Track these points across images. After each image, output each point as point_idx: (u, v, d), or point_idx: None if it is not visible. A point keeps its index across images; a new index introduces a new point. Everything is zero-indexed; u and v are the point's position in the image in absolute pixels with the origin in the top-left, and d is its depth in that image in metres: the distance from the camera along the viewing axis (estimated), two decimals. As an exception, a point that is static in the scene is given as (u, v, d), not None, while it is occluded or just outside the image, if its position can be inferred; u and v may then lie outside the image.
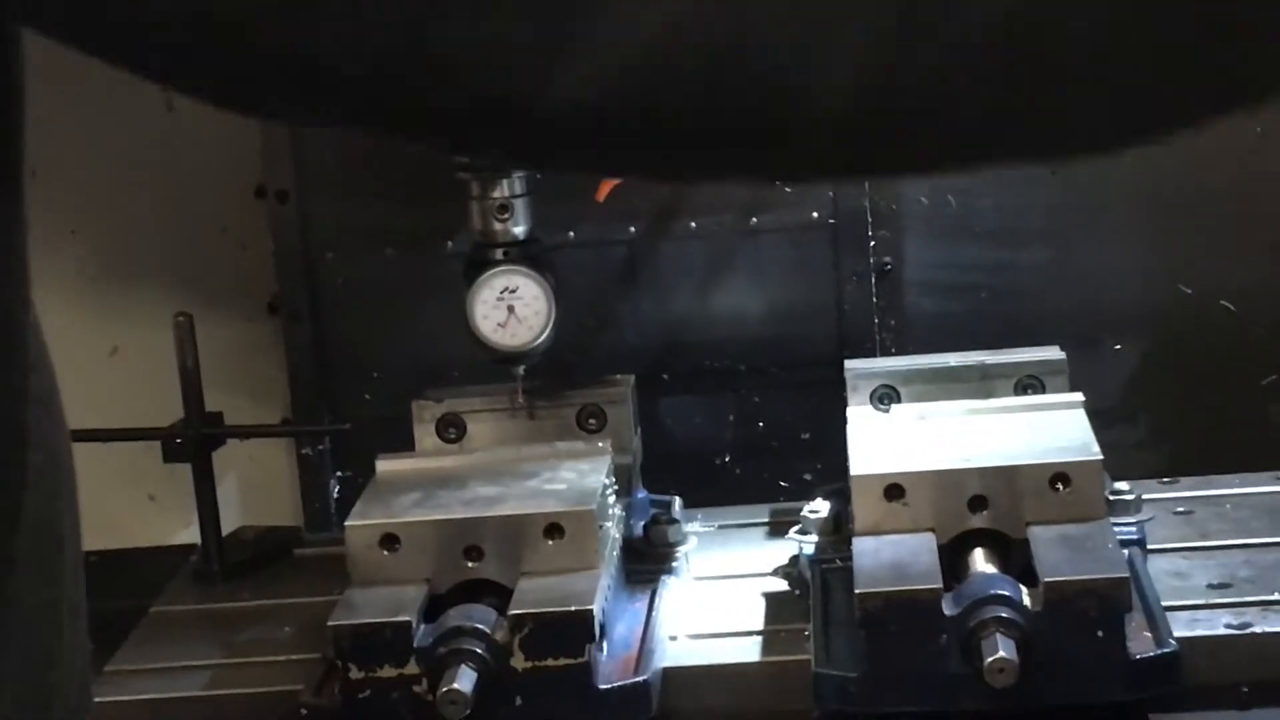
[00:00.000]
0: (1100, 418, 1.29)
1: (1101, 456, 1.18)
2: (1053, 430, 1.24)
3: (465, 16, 0.39)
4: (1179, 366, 1.51)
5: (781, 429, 1.50)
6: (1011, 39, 0.38)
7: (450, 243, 1.44)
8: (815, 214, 1.49)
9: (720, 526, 1.40)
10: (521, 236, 1.29)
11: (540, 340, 1.29)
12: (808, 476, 1.46)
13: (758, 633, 1.23)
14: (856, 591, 1.08)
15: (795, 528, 1.29)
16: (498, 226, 1.27)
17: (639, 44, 0.38)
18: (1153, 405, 1.52)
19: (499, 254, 1.28)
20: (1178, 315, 1.49)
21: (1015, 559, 1.15)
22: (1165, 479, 1.39)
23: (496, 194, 1.27)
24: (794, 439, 1.49)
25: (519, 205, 1.28)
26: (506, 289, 1.27)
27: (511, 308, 1.28)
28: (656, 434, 1.47)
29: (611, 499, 1.27)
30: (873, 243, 1.49)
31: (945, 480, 1.16)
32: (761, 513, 1.42)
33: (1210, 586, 1.21)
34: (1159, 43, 0.38)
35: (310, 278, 1.52)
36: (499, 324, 1.28)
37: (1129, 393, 1.50)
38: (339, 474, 1.53)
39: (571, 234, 1.46)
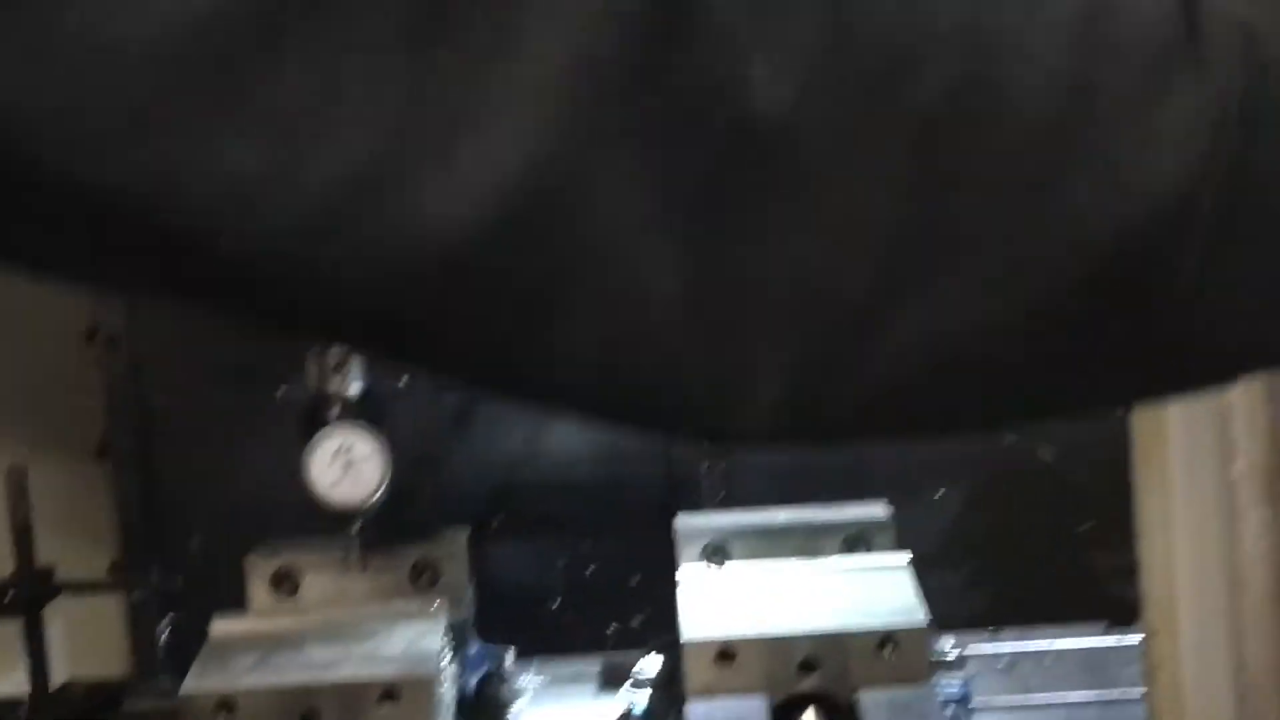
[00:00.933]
0: (924, 562, 1.34)
1: (927, 620, 1.21)
2: (880, 591, 1.27)
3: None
4: (1000, 512, 1.57)
5: (611, 574, 1.52)
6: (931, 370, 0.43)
7: (284, 387, 1.44)
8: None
9: (554, 679, 1.40)
10: (357, 393, 1.29)
11: (376, 496, 1.29)
12: (635, 624, 1.48)
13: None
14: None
15: (629, 682, 1.30)
16: (333, 384, 1.27)
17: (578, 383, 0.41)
18: (974, 551, 1.57)
19: (335, 411, 1.27)
20: (998, 462, 1.55)
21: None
22: (990, 628, 1.44)
23: (332, 352, 1.27)
24: (623, 584, 1.51)
25: (354, 362, 1.28)
26: (342, 446, 1.27)
27: (348, 464, 1.27)
28: (488, 579, 1.47)
29: (446, 658, 1.26)
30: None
31: (775, 645, 1.18)
32: (594, 664, 1.42)
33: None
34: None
35: (141, 421, 1.50)
36: (334, 482, 1.27)
37: (952, 538, 1.55)
38: (169, 619, 1.50)
39: (403, 382, 1.46)
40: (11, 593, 1.25)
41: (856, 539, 1.36)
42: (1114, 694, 1.32)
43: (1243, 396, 1.03)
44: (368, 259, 0.36)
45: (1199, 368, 0.46)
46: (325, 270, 0.36)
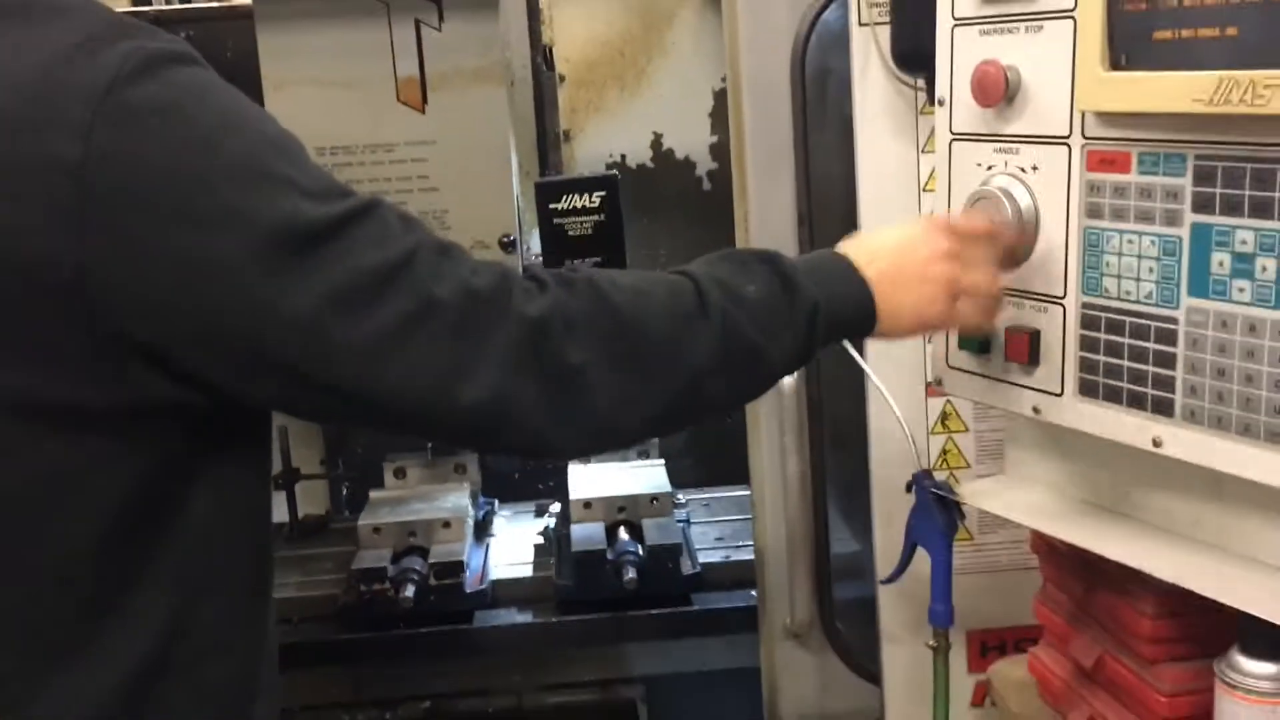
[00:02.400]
0: (674, 455, 3.03)
1: (670, 489, 2.89)
2: (651, 476, 2.94)
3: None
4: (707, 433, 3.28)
5: (539, 466, 3.18)
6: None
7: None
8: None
9: (513, 513, 3.07)
10: None
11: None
12: (550, 489, 3.15)
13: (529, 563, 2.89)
14: (573, 550, 2.74)
15: (547, 514, 2.98)
16: None
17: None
18: (690, 451, 3.27)
19: None
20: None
21: (637, 534, 2.82)
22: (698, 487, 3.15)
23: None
24: (545, 470, 3.18)
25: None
26: None
27: None
28: (485, 468, 3.11)
29: (469, 505, 2.91)
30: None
31: (608, 500, 2.83)
32: (530, 506, 3.10)
33: (716, 538, 2.96)
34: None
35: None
36: None
37: (682, 445, 3.26)
38: (346, 488, 3.09)
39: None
40: (282, 479, 2.85)
41: (644, 450, 3.04)
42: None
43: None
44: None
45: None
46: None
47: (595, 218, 2.57)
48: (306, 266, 1.14)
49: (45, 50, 1.12)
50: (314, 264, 1.14)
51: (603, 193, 2.57)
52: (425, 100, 2.52)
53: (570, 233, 2.57)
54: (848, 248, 1.48)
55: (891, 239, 1.49)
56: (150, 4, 3.10)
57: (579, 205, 2.56)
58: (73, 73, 1.11)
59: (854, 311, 1.43)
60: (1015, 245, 1.52)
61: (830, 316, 1.41)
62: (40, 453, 1.16)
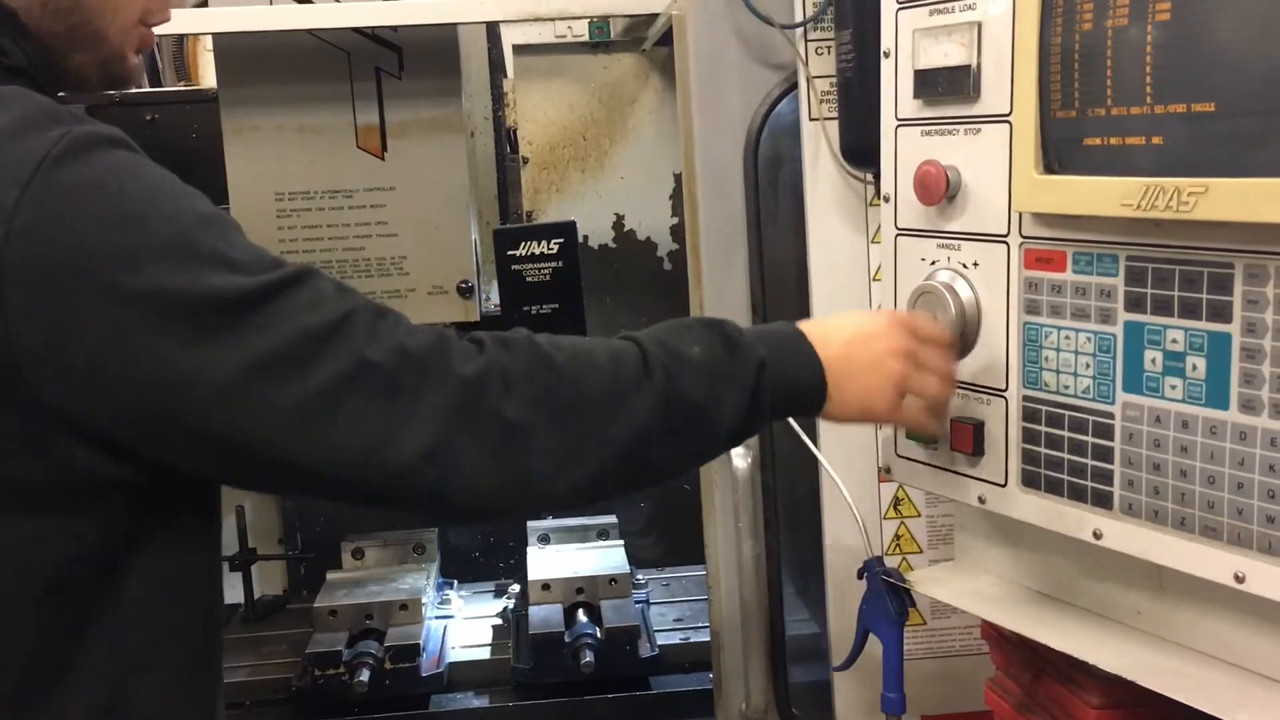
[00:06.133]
0: (632, 534, 3.03)
1: (629, 570, 2.90)
2: (609, 558, 2.95)
3: None
4: (667, 512, 3.30)
5: (499, 546, 3.19)
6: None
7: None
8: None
9: (472, 593, 3.07)
10: None
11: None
12: (510, 569, 3.15)
13: (487, 645, 2.89)
14: (530, 633, 2.74)
15: (506, 595, 2.98)
16: None
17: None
18: (652, 529, 3.29)
19: None
20: (661, 490, 3.26)
21: (595, 615, 2.81)
22: (658, 567, 3.16)
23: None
24: (506, 551, 3.18)
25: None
26: None
27: None
28: (445, 548, 3.11)
29: (429, 587, 2.91)
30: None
31: (567, 581, 2.84)
32: (490, 586, 3.09)
33: (675, 619, 2.96)
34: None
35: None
36: None
37: (643, 524, 3.27)
38: (303, 569, 3.09)
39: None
40: (238, 560, 2.84)
41: (603, 531, 3.05)
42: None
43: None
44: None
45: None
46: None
47: (553, 264, 2.60)
48: (231, 337, 1.15)
49: None
50: (241, 333, 1.15)
51: (561, 239, 2.60)
52: (385, 147, 2.55)
53: (528, 279, 2.59)
54: (806, 325, 1.49)
55: (850, 325, 1.50)
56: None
57: (537, 252, 2.59)
58: (2, 157, 1.13)
59: (805, 380, 1.44)
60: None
61: (778, 380, 1.41)
62: None
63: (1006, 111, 1.45)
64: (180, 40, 3.23)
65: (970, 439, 1.56)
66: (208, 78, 3.20)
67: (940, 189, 1.54)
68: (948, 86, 1.52)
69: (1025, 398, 1.50)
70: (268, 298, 1.17)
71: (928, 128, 1.57)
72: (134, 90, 3.14)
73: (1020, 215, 1.46)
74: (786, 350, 1.44)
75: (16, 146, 1.14)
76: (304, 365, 1.17)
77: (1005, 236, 1.49)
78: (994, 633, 1.74)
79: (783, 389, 1.42)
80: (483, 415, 1.24)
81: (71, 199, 1.13)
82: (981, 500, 1.57)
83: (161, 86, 3.22)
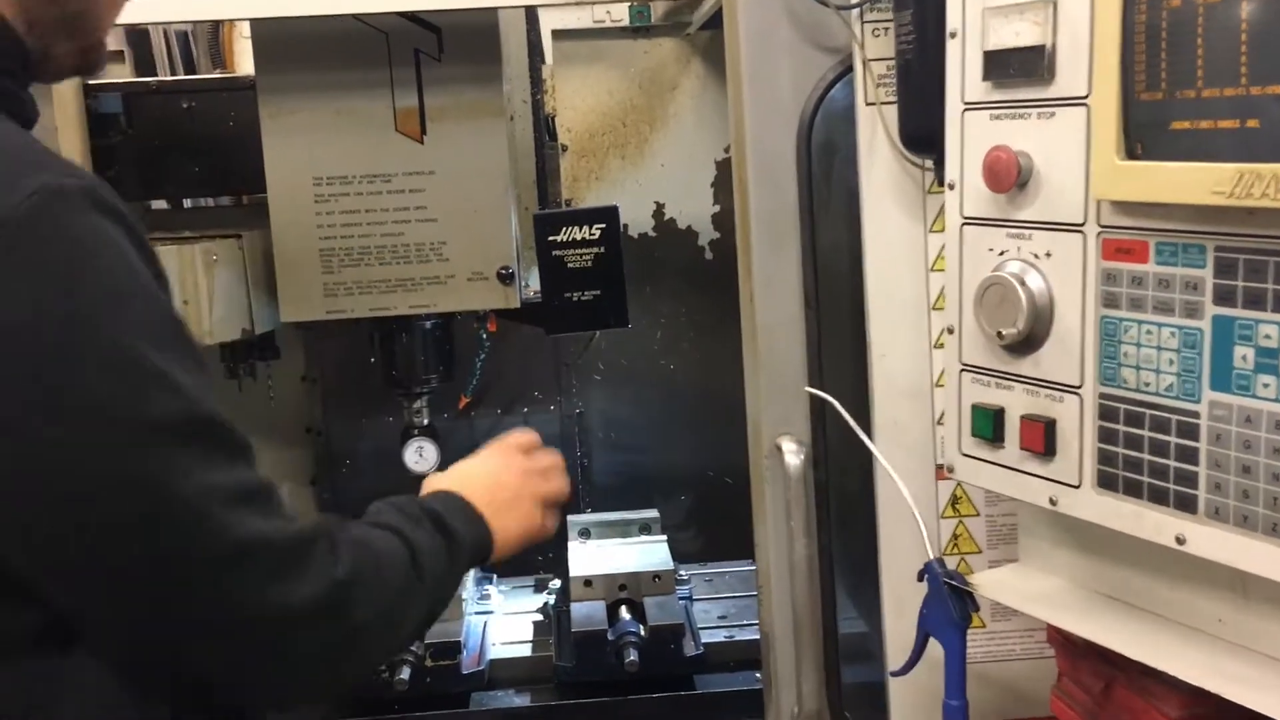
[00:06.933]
0: (673, 528, 2.97)
1: (673, 567, 2.84)
2: (653, 553, 2.89)
3: None
4: (709, 506, 3.24)
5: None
6: None
7: (391, 418, 3.00)
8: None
9: (513, 587, 3.01)
10: (425, 422, 2.72)
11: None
12: (550, 564, 3.10)
13: (527, 641, 2.83)
14: (573, 630, 2.69)
15: (546, 590, 2.92)
16: (414, 418, 2.73)
17: None
18: (693, 523, 3.23)
19: (415, 430, 2.73)
20: (702, 482, 3.21)
21: (638, 613, 2.77)
22: (700, 562, 3.10)
23: (414, 404, 2.81)
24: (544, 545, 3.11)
25: (426, 405, 2.79)
26: (419, 447, 2.72)
27: (420, 456, 2.75)
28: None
29: (469, 580, 2.85)
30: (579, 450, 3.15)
31: (609, 578, 2.79)
32: (531, 580, 3.04)
33: (719, 616, 2.90)
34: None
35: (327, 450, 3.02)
36: (414, 463, 2.71)
37: (685, 517, 3.21)
38: None
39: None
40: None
41: (645, 526, 2.99)
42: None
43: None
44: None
45: None
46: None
47: (595, 250, 2.53)
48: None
49: None
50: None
51: (603, 225, 2.54)
52: (424, 130, 2.49)
53: (569, 265, 2.53)
54: (454, 485, 1.59)
55: (482, 471, 1.66)
56: (155, 74, 3.08)
57: (578, 237, 2.53)
58: None
59: (483, 541, 1.56)
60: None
61: (471, 557, 1.54)
62: None
63: (1084, 94, 1.38)
64: (215, 28, 3.18)
65: (1041, 438, 1.49)
66: (244, 65, 3.15)
67: (1011, 176, 1.46)
68: (1020, 68, 1.45)
69: (1102, 395, 1.42)
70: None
71: (997, 111, 1.50)
72: (170, 78, 3.10)
73: (1099, 203, 1.39)
74: (473, 524, 1.55)
75: None
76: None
77: (1081, 225, 1.41)
78: (1061, 638, 1.67)
79: (477, 556, 1.56)
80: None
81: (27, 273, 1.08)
82: (1053, 502, 1.50)
83: (196, 74, 3.17)
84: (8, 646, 1.15)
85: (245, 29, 2.93)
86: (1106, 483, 1.43)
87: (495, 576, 3.01)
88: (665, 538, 2.94)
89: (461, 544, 1.49)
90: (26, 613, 1.14)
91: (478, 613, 2.85)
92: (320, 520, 1.29)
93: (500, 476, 1.65)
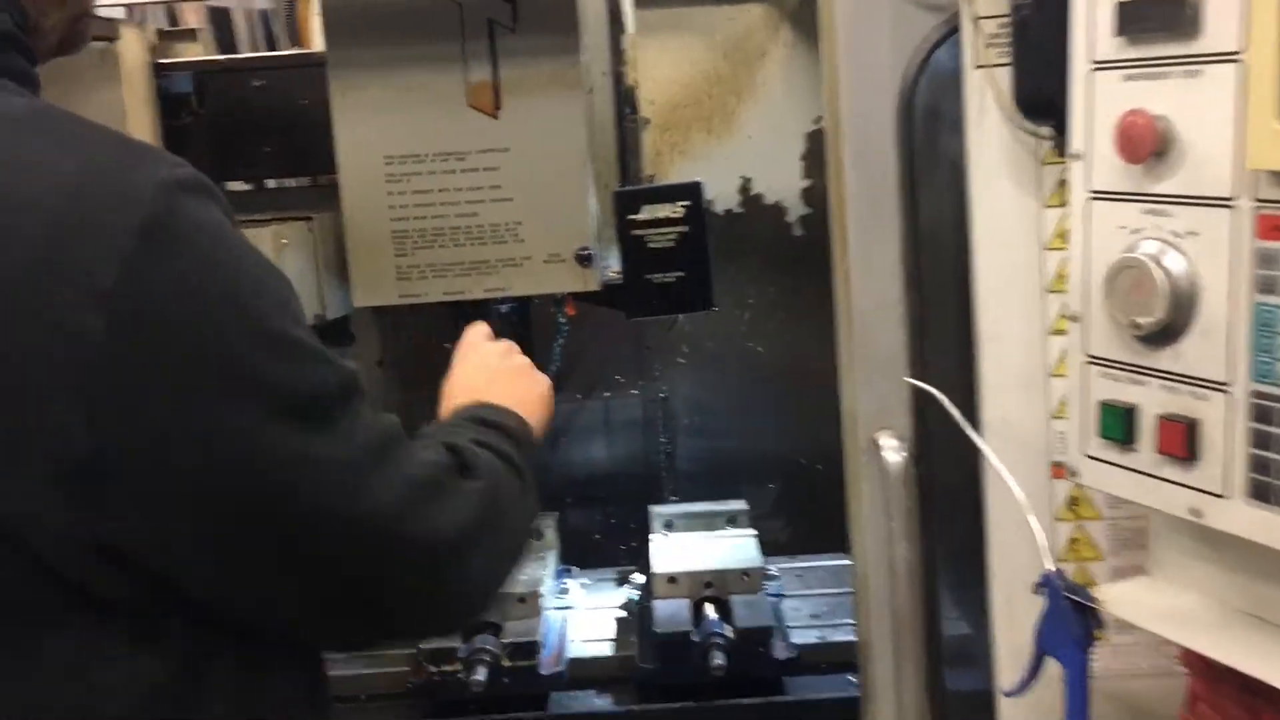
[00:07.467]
0: (761, 517, 2.82)
1: (762, 563, 2.69)
2: (741, 548, 2.74)
3: None
4: (799, 494, 3.08)
5: (622, 532, 3.00)
6: None
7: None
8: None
9: (595, 580, 2.89)
10: None
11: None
12: (632, 557, 2.97)
13: (609, 640, 2.70)
14: (655, 631, 2.55)
15: (629, 585, 2.79)
16: None
17: None
18: (781, 514, 3.08)
19: None
20: (790, 471, 3.05)
21: (725, 612, 2.61)
22: (789, 554, 2.94)
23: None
24: (626, 537, 3.00)
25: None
26: None
27: None
28: (564, 535, 2.91)
29: (549, 576, 2.73)
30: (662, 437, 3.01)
31: (694, 575, 2.65)
32: (612, 574, 2.91)
33: (811, 615, 2.75)
34: None
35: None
36: None
37: (773, 508, 3.06)
38: None
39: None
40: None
41: (732, 518, 2.84)
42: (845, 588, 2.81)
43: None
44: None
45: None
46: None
47: (678, 229, 2.38)
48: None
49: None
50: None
51: (687, 202, 2.39)
52: (498, 106, 2.35)
53: (651, 245, 2.39)
54: (468, 393, 1.62)
55: (471, 369, 1.73)
56: (238, 53, 2.99)
57: (661, 216, 2.38)
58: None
59: (528, 432, 1.57)
60: None
61: (527, 446, 1.54)
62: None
63: (1237, 50, 1.20)
64: (291, 3, 3.07)
65: (1182, 440, 1.32)
66: (319, 41, 3.04)
67: (1148, 143, 1.29)
68: (1160, 21, 1.27)
69: (1255, 393, 1.25)
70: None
71: (1132, 71, 1.32)
72: (240, 56, 3.00)
73: (1254, 175, 1.21)
74: (506, 415, 1.56)
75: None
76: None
77: (1232, 200, 1.24)
78: (1199, 661, 1.49)
79: (528, 445, 1.55)
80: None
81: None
82: (1195, 513, 1.33)
83: (275, 51, 3.07)
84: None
85: (317, 4, 2.82)
86: (1260, 493, 1.26)
87: (574, 569, 2.89)
88: (754, 532, 2.79)
89: (518, 437, 1.52)
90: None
91: (557, 608, 2.72)
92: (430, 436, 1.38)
93: (488, 366, 1.73)
